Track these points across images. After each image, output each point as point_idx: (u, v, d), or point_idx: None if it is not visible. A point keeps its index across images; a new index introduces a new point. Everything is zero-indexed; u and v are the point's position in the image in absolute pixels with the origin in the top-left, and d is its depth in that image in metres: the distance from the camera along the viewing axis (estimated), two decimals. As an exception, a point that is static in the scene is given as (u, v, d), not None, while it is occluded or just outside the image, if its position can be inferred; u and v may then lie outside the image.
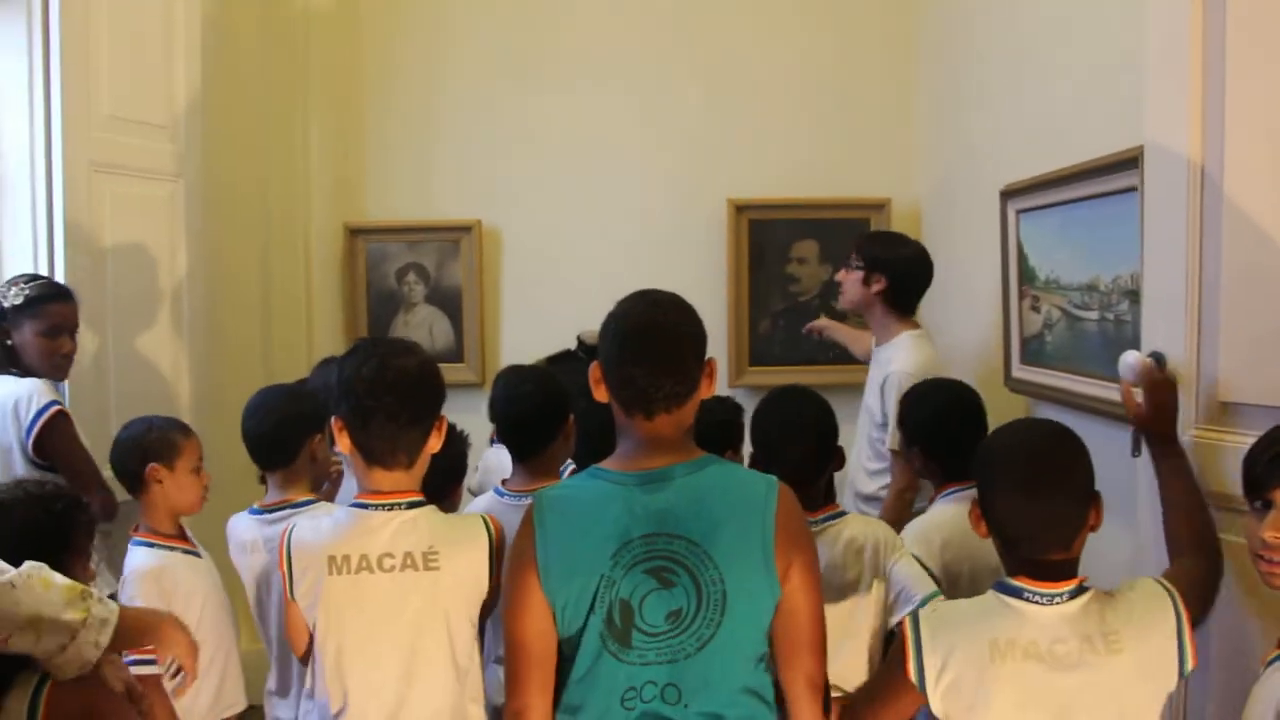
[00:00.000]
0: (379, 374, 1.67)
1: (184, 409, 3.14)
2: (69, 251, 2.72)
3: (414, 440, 1.71)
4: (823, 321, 3.44)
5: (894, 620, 1.86)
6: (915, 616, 1.52)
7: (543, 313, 3.90)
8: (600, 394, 1.58)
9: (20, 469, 2.42)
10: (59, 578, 1.49)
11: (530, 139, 3.96)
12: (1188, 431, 1.84)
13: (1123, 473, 2.30)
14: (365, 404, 1.66)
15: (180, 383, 3.15)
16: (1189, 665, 1.47)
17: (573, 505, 1.53)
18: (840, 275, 2.97)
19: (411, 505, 1.72)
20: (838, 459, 2.00)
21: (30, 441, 2.39)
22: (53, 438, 2.41)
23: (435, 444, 1.75)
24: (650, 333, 1.53)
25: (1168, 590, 1.51)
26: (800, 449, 1.91)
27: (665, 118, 3.93)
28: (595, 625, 1.47)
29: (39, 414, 2.39)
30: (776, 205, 3.86)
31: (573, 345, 3.55)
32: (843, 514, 1.95)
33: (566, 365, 3.24)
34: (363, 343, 1.80)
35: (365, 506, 1.72)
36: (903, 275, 2.84)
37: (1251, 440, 1.54)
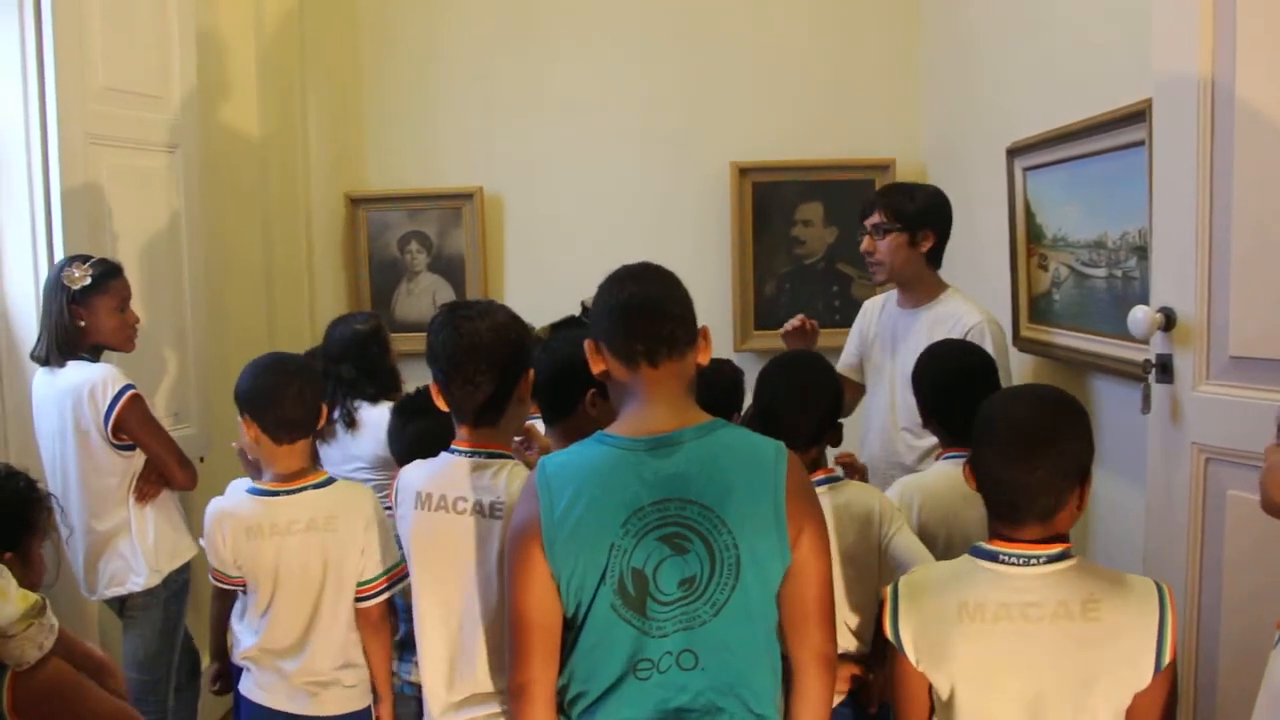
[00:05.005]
0: (455, 340, 1.73)
1: (189, 382, 3.14)
2: (67, 225, 2.70)
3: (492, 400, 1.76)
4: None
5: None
6: (896, 583, 1.54)
7: (546, 279, 3.88)
8: (597, 366, 1.55)
9: (100, 451, 2.52)
10: (14, 590, 1.54)
11: (531, 104, 3.92)
12: (1198, 387, 1.83)
13: (1133, 430, 2.29)
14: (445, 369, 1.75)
15: (185, 355, 3.14)
16: (1165, 659, 1.41)
17: (579, 473, 1.50)
18: (867, 246, 2.63)
19: (491, 455, 1.76)
20: (837, 430, 1.98)
21: (109, 425, 2.48)
22: (130, 420, 2.50)
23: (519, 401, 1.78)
24: (645, 290, 1.53)
25: (1159, 586, 1.46)
26: (809, 417, 1.89)
27: (666, 80, 3.89)
28: (606, 595, 1.45)
29: (116, 398, 2.48)
30: (780, 167, 3.82)
31: (577, 311, 3.52)
32: (839, 479, 1.93)
33: (571, 332, 3.21)
34: (443, 308, 1.84)
35: (453, 452, 1.79)
36: (946, 225, 2.63)
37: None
